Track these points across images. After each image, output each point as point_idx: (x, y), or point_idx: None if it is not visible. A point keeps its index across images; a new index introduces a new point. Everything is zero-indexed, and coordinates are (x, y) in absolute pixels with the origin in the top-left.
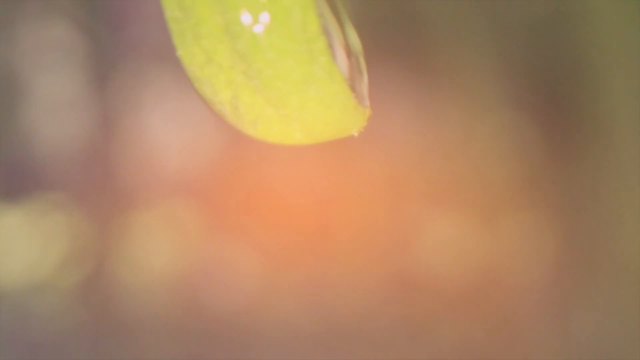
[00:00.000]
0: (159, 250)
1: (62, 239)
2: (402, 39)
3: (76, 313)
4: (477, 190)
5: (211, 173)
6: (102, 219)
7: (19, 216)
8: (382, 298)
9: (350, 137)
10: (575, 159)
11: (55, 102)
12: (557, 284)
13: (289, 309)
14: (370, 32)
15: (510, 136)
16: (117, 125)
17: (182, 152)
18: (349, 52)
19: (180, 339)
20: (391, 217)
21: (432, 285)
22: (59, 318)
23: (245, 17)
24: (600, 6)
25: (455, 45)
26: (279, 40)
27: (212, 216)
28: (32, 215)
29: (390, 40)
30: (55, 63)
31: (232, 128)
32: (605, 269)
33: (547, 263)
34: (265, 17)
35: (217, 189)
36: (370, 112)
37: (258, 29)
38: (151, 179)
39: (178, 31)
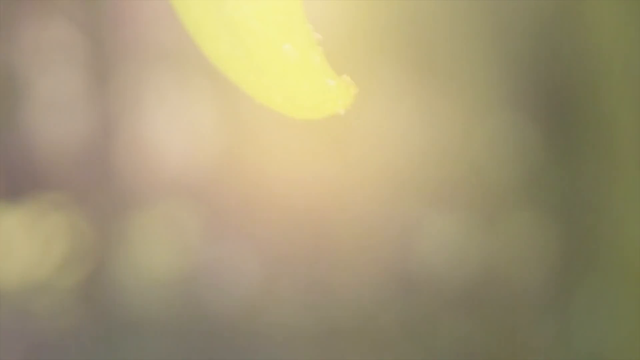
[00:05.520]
0: (159, 250)
1: (62, 239)
2: (402, 40)
3: (76, 313)
4: (477, 190)
5: (211, 173)
6: (102, 219)
7: (19, 216)
8: (382, 298)
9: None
10: (575, 159)
11: (55, 102)
12: (557, 284)
13: (289, 309)
14: (371, 33)
15: (510, 136)
16: (117, 126)
17: (182, 152)
18: None
19: (180, 339)
20: (391, 217)
21: (432, 285)
22: (59, 318)
23: None
24: (601, 6)
25: (456, 46)
26: (261, 10)
27: (212, 216)
28: (32, 215)
29: (391, 41)
30: (55, 63)
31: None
32: (605, 269)
33: (547, 263)
34: None
35: (217, 189)
36: (356, 90)
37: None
38: (151, 179)
39: None
